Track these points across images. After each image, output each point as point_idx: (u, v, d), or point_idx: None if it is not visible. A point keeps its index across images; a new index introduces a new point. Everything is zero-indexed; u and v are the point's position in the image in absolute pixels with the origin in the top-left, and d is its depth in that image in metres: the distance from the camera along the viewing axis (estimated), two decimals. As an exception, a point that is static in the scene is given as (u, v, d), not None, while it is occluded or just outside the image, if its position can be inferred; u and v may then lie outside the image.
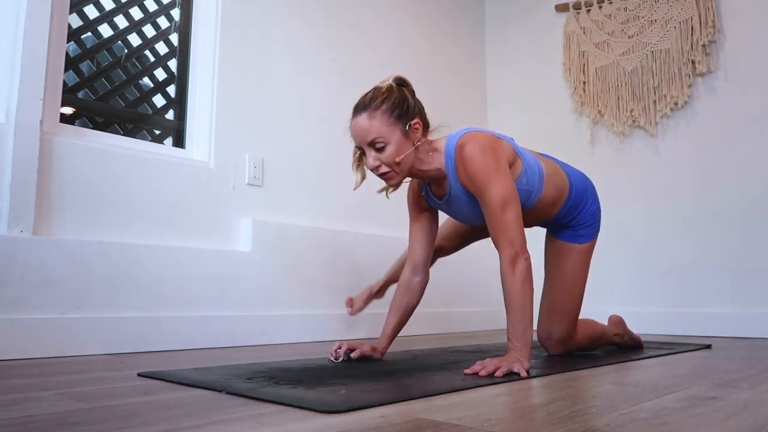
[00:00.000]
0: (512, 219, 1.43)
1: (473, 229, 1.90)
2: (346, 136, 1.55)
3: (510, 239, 1.42)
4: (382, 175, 1.51)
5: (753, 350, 2.03)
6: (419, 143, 1.50)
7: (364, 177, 1.59)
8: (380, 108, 1.45)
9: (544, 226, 1.82)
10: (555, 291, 1.75)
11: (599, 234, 1.83)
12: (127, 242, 1.93)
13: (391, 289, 1.76)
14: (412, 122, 1.48)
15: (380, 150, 1.47)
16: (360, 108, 1.48)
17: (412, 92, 1.54)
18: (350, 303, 1.99)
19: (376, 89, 1.50)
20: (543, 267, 1.81)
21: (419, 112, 1.53)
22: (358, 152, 1.56)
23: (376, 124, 1.45)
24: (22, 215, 1.72)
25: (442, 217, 1.83)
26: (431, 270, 2.07)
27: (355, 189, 1.59)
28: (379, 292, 2.01)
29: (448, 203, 1.61)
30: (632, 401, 1.02)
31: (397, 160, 1.46)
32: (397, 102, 1.47)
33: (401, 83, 1.54)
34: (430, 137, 1.56)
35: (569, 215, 1.74)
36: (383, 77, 1.57)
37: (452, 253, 2.03)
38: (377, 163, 1.48)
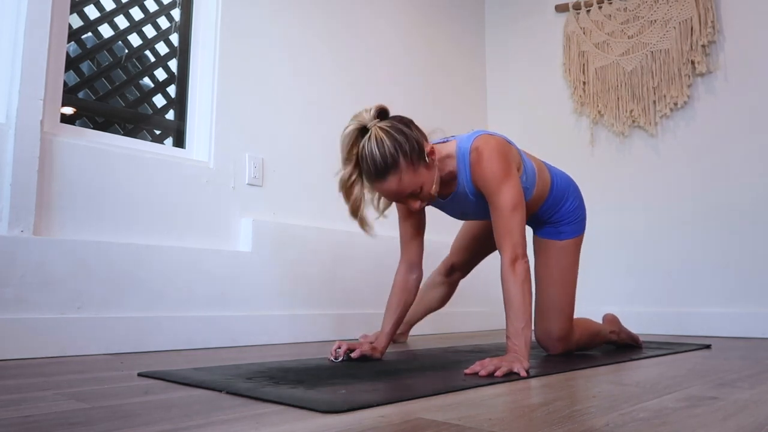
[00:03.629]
0: (518, 223, 1.48)
1: (480, 240, 1.99)
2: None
3: (513, 242, 1.47)
4: (422, 207, 1.52)
5: (753, 350, 2.03)
6: (436, 162, 1.49)
7: (365, 223, 1.47)
8: (400, 164, 1.38)
9: (527, 224, 1.84)
10: (545, 289, 1.78)
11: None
12: (127, 242, 1.93)
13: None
14: (427, 152, 1.44)
15: (418, 194, 1.46)
16: (381, 172, 1.38)
17: (401, 119, 1.45)
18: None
19: (379, 142, 1.37)
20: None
21: (421, 134, 1.47)
22: (357, 199, 1.43)
23: (405, 180, 1.41)
24: (23, 215, 1.72)
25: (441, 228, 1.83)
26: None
27: (371, 233, 1.49)
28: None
29: (452, 201, 1.64)
30: (632, 401, 1.02)
31: (433, 192, 1.47)
32: (409, 147, 1.39)
33: (383, 114, 1.43)
34: (432, 137, 1.58)
35: (550, 211, 1.78)
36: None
37: (465, 272, 2.09)
38: (418, 204, 1.48)
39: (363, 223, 1.46)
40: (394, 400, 1.02)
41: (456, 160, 1.55)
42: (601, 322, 2.01)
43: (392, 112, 1.47)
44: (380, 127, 1.39)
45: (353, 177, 1.41)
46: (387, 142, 1.37)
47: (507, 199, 1.48)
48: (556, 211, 1.78)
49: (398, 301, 1.69)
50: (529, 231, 1.85)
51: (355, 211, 1.44)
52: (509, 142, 1.61)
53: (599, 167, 3.18)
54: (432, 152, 1.46)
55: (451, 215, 1.76)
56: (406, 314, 1.73)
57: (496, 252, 1.63)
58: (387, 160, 1.37)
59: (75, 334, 1.74)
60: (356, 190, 1.43)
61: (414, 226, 1.70)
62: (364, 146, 1.39)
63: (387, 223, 1.60)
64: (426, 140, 1.48)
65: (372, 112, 1.42)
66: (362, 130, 1.41)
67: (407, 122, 1.45)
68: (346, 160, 1.41)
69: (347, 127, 1.41)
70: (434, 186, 1.47)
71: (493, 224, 1.51)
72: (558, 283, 1.77)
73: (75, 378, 1.30)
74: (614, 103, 3.15)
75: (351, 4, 2.87)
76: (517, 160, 1.59)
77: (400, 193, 1.44)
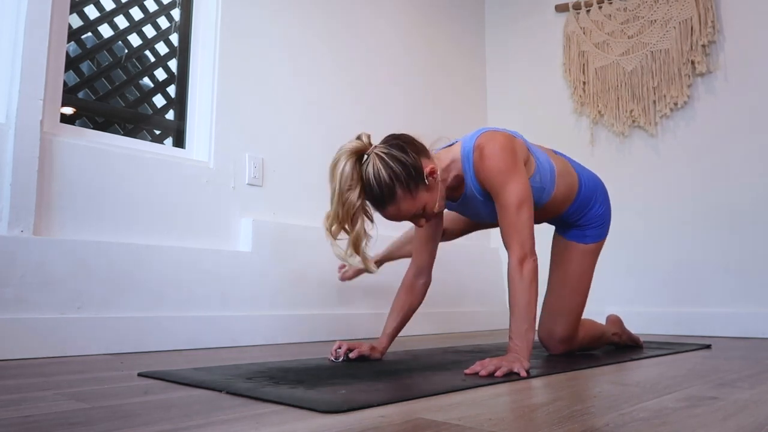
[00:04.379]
0: (525, 220, 1.45)
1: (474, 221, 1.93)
2: (347, 137, 1.54)
3: (521, 240, 1.44)
4: (426, 223, 1.53)
5: (753, 350, 2.03)
6: (439, 176, 1.46)
7: (366, 261, 1.45)
8: (397, 194, 1.37)
9: (552, 224, 1.82)
10: (558, 290, 1.76)
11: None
12: (127, 242, 1.93)
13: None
14: (426, 173, 1.41)
15: (422, 214, 1.45)
16: (380, 202, 1.39)
17: (398, 143, 1.41)
18: (342, 267, 1.95)
19: (376, 172, 1.36)
20: (548, 266, 1.81)
21: (421, 152, 1.43)
22: (354, 232, 1.40)
23: (404, 207, 1.40)
24: (23, 215, 1.72)
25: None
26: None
27: (374, 271, 1.50)
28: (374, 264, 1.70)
29: (463, 204, 1.62)
30: (632, 401, 1.02)
31: (436, 210, 1.47)
32: (405, 175, 1.37)
33: (369, 142, 1.41)
34: (437, 145, 1.57)
35: (576, 214, 1.75)
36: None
37: (455, 237, 2.04)
38: (422, 222, 1.49)
39: (365, 260, 1.43)
40: (394, 400, 1.02)
41: (461, 162, 1.53)
42: (604, 322, 2.00)
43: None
44: (377, 154, 1.38)
45: (357, 205, 1.38)
46: (383, 172, 1.36)
47: (512, 195, 1.44)
48: (583, 215, 1.75)
49: (403, 304, 1.69)
50: (550, 229, 1.84)
51: (357, 246, 1.40)
52: (516, 137, 1.56)
53: (599, 167, 3.15)
54: (432, 172, 1.42)
55: (469, 218, 1.75)
56: (410, 317, 1.71)
57: (502, 251, 1.61)
58: (384, 191, 1.37)
59: (75, 334, 1.74)
60: (359, 220, 1.39)
61: (429, 232, 1.68)
62: (362, 172, 1.38)
63: (387, 223, 1.60)
64: (427, 156, 1.45)
65: (365, 139, 1.41)
66: (359, 158, 1.39)
67: (403, 145, 1.41)
68: (348, 189, 1.37)
69: (346, 161, 1.37)
70: (437, 204, 1.45)
71: (500, 222, 1.48)
72: (573, 286, 1.75)
73: (75, 378, 1.30)
74: (614, 103, 3.15)
75: (351, 4, 2.87)
76: (524, 156, 1.54)
77: (401, 218, 1.44)
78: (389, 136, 1.45)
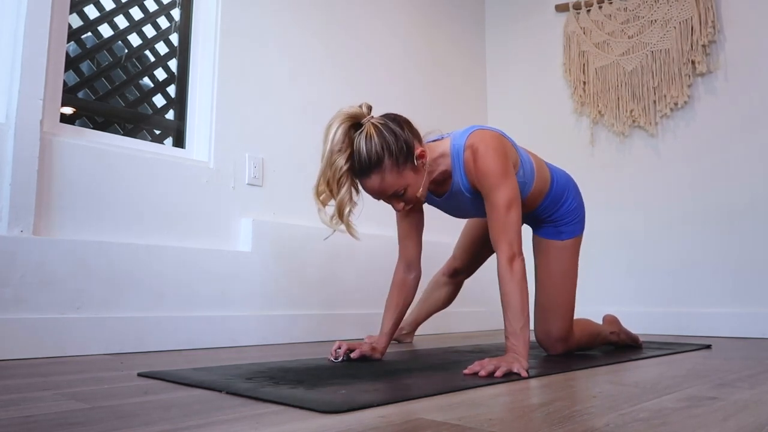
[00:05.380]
0: (514, 221, 1.47)
1: (482, 242, 1.97)
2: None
3: (509, 240, 1.45)
4: (405, 209, 1.52)
5: (753, 350, 2.03)
6: (427, 165, 1.48)
7: (350, 228, 1.45)
8: (384, 164, 1.39)
9: (527, 223, 1.83)
10: (545, 289, 1.77)
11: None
12: (127, 242, 1.93)
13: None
14: (417, 154, 1.44)
15: (402, 195, 1.46)
16: (365, 169, 1.40)
17: (395, 118, 1.46)
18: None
19: (368, 139, 1.38)
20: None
21: (415, 135, 1.47)
22: (345, 203, 1.41)
23: (388, 180, 1.41)
24: (22, 215, 1.72)
25: (438, 224, 1.83)
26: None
27: (358, 238, 1.49)
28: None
29: (448, 200, 1.63)
30: (632, 401, 1.02)
31: (418, 195, 1.47)
32: (396, 148, 1.40)
33: (368, 111, 1.44)
34: (427, 138, 1.58)
35: (550, 209, 1.77)
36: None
37: (470, 273, 2.09)
38: (401, 206, 1.49)
39: (348, 226, 1.45)
40: (394, 400, 1.02)
41: (450, 158, 1.54)
42: (601, 322, 2.01)
43: (392, 112, 1.48)
44: (373, 123, 1.41)
45: (344, 168, 1.39)
46: (375, 139, 1.39)
47: (503, 196, 1.46)
48: (555, 210, 1.77)
49: (397, 301, 1.69)
50: (528, 230, 1.85)
51: (342, 212, 1.41)
52: (504, 136, 1.59)
53: (599, 167, 3.18)
54: (422, 155, 1.45)
55: (449, 214, 1.75)
56: (405, 313, 1.73)
57: None
58: (372, 158, 1.39)
59: (75, 334, 1.74)
60: (345, 185, 1.41)
61: (412, 225, 1.70)
62: (353, 140, 1.40)
63: (386, 223, 1.60)
64: (420, 142, 1.48)
65: (364, 108, 1.44)
66: (355, 125, 1.41)
67: (401, 122, 1.46)
68: (338, 152, 1.39)
69: (339, 124, 1.39)
70: (420, 189, 1.46)
71: (489, 222, 1.50)
72: (559, 283, 1.76)
73: (75, 378, 1.30)
74: (614, 103, 3.15)
75: (350, 5, 2.87)
76: (513, 156, 1.57)
77: (382, 192, 1.44)
78: (388, 113, 1.48)
